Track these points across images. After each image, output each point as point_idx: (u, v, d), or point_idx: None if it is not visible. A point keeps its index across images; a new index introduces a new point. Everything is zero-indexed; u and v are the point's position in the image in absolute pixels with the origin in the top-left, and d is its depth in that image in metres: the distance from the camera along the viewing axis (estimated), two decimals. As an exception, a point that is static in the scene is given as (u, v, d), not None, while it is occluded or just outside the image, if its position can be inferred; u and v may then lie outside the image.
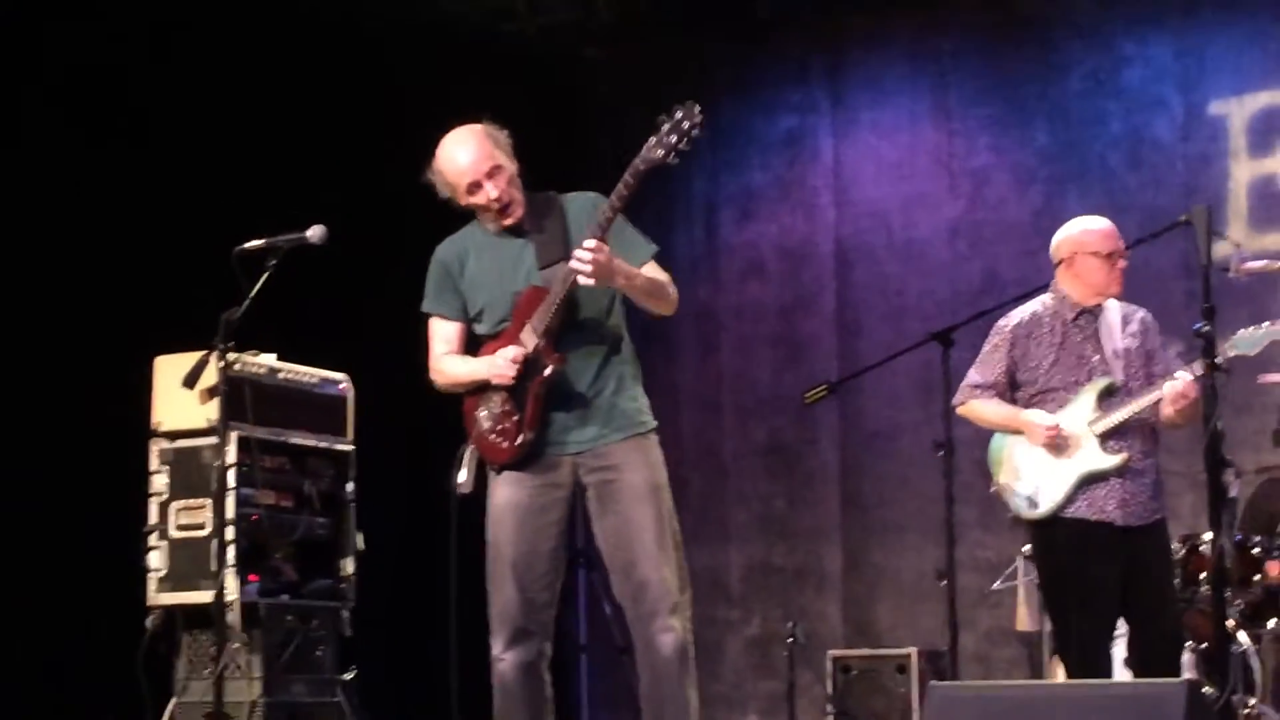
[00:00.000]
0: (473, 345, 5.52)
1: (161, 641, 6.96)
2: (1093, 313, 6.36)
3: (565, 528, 5.38)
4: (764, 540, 10.77)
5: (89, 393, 7.79)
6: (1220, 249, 6.25)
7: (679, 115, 5.06)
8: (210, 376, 6.16)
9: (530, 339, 5.28)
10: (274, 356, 7.21)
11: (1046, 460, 6.25)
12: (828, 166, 10.94)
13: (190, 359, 6.20)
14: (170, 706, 6.91)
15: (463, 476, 5.44)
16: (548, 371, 5.24)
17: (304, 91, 9.12)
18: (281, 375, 7.24)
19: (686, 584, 5.32)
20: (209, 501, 6.82)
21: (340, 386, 7.50)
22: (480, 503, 5.42)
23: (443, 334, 5.53)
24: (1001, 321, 6.44)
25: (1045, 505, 6.24)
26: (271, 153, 8.81)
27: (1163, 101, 9.96)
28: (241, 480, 6.90)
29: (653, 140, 5.05)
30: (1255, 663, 7.69)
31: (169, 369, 6.92)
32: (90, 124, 8.22)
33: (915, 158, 10.66)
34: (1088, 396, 6.21)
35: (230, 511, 6.70)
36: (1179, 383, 6.04)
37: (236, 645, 6.76)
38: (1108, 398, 6.23)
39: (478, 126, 5.42)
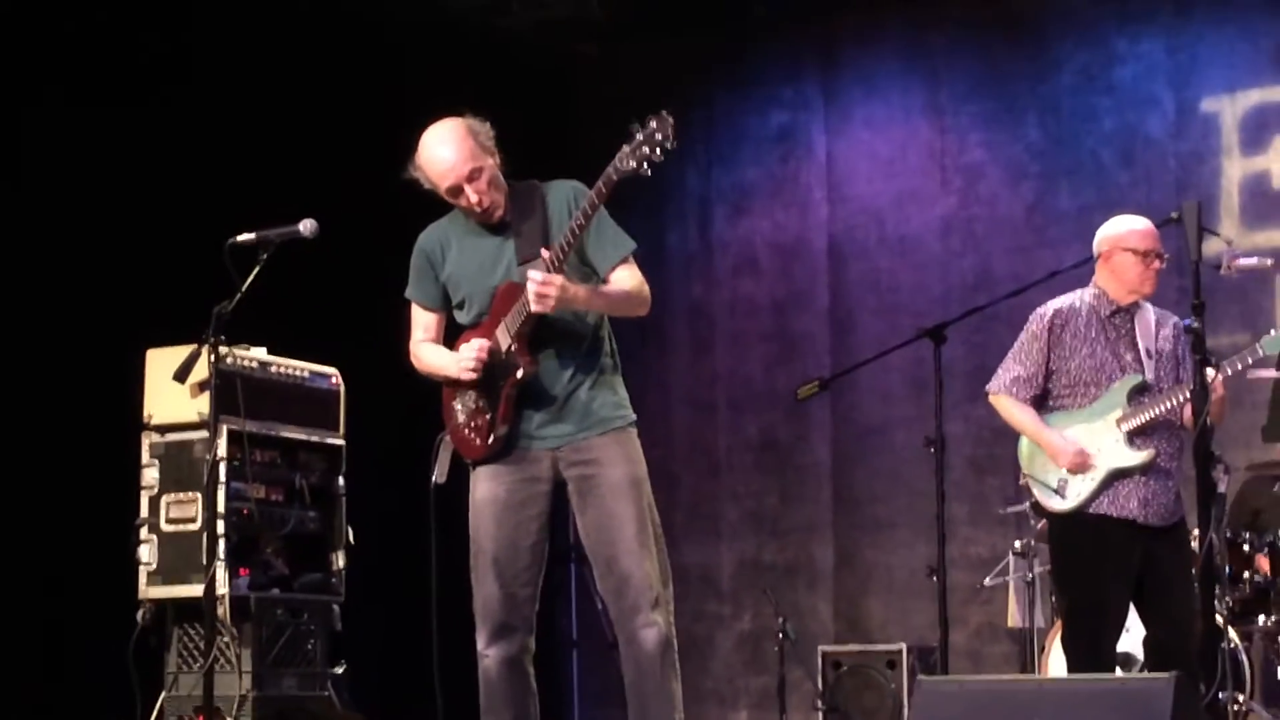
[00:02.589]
0: (456, 332, 5.50)
1: (152, 635, 6.96)
2: (1129, 311, 6.36)
3: (546, 521, 5.36)
4: (756, 536, 10.79)
5: (80, 385, 7.80)
6: (1211, 246, 6.24)
7: (652, 125, 5.00)
8: (201, 370, 6.16)
9: (504, 338, 5.27)
10: (265, 350, 7.22)
11: None
12: (820, 162, 10.96)
13: (182, 352, 6.21)
14: (160, 700, 6.91)
15: (438, 468, 5.44)
16: (519, 374, 5.24)
17: (296, 84, 9.13)
18: (273, 369, 7.24)
19: (668, 577, 5.33)
20: (200, 495, 6.83)
21: (332, 380, 7.50)
22: (465, 495, 5.42)
23: (422, 321, 5.54)
24: (1040, 310, 6.42)
25: (1072, 499, 6.25)
26: (264, 146, 8.81)
27: (1155, 98, 9.98)
28: (232, 474, 6.91)
29: (626, 149, 5.02)
30: (1244, 659, 7.72)
31: (160, 362, 6.93)
32: (82, 116, 8.22)
33: (908, 154, 10.67)
34: (1119, 394, 6.20)
35: (221, 505, 6.72)
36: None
37: (226, 639, 6.77)
38: (1138, 395, 6.23)
39: (458, 123, 5.34)
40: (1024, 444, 6.43)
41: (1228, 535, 7.71)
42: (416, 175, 5.36)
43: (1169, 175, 9.83)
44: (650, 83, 11.02)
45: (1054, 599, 6.57)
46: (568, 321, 5.31)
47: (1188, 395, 6.10)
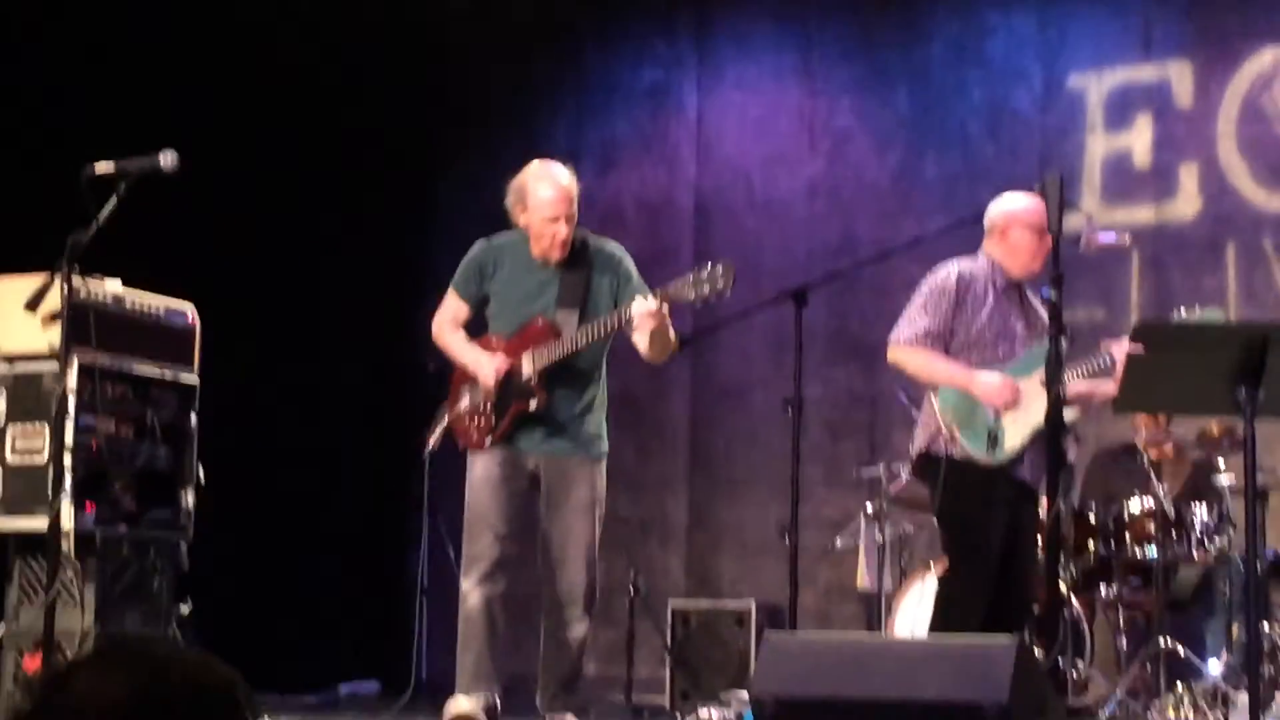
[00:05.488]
0: (479, 319, 6.57)
1: (-7, 567, 6.85)
2: (1018, 286, 6.47)
3: (529, 497, 6.42)
4: (610, 491, 10.74)
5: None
6: (1072, 221, 6.31)
7: (717, 270, 5.98)
8: (54, 300, 6.05)
9: (528, 366, 6.31)
10: (119, 283, 7.09)
11: (1006, 409, 6.35)
12: (691, 121, 10.95)
13: (33, 281, 6.09)
14: (-1, 632, 6.81)
15: (434, 437, 6.56)
16: (532, 406, 6.31)
17: (161, 10, 8.97)
18: (127, 303, 7.12)
19: (597, 590, 6.48)
20: (47, 427, 6.71)
21: (187, 317, 7.38)
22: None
23: (453, 307, 6.59)
24: (943, 271, 6.49)
25: (1005, 450, 6.32)
26: (124, 73, 8.66)
27: (1023, 72, 10.07)
28: (82, 407, 6.78)
29: (688, 279, 6.03)
30: (1086, 628, 7.84)
31: (11, 291, 6.77)
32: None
33: (778, 116, 10.69)
34: (1037, 356, 6.15)
35: (69, 438, 6.58)
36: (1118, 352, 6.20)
37: (70, 573, 6.66)
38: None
39: (568, 171, 6.42)
40: (946, 396, 6.43)
41: (1075, 506, 7.82)
42: (513, 188, 6.41)
43: (1034, 149, 9.92)
44: (521, 32, 10.95)
45: (945, 544, 6.62)
46: (584, 364, 6.37)
47: (1105, 357, 6.27)
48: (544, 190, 6.37)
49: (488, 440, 6.42)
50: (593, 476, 6.46)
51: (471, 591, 6.39)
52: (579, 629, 6.41)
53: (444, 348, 6.63)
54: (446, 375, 6.73)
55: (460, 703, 6.37)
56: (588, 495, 6.43)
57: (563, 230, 6.34)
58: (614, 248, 6.57)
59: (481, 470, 6.46)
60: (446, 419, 6.54)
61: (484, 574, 6.37)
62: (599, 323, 6.25)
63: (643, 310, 6.07)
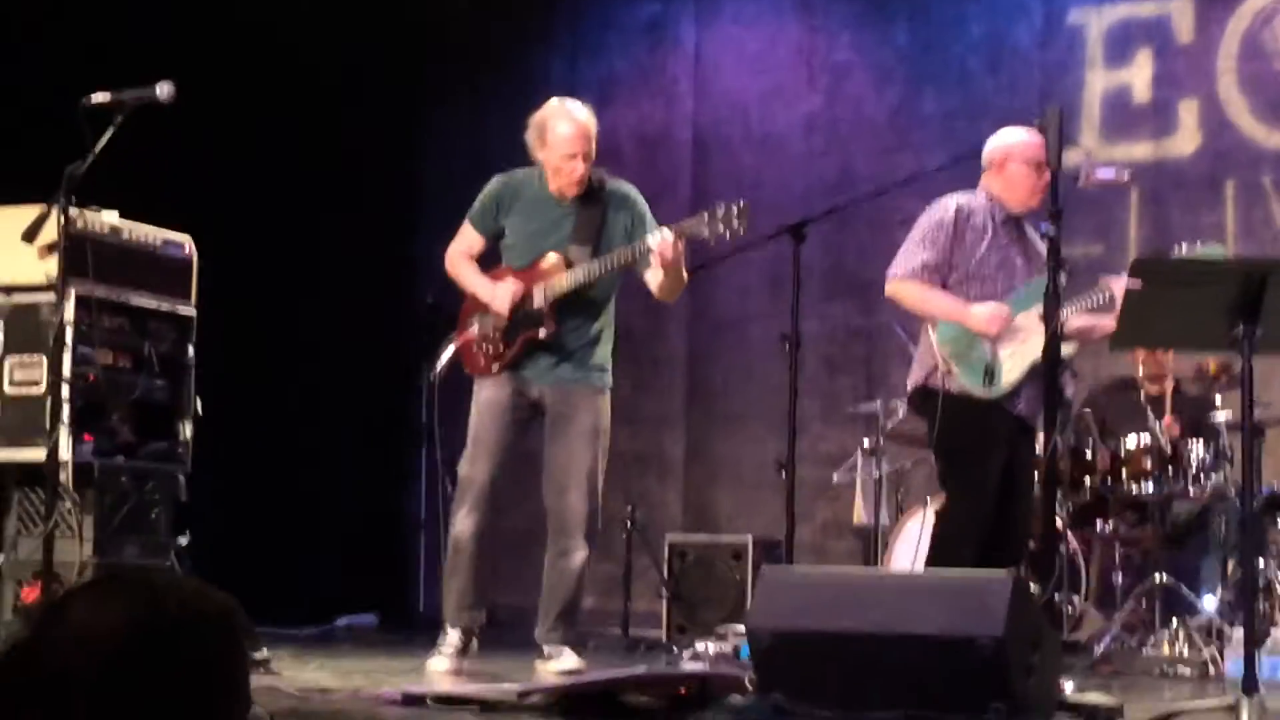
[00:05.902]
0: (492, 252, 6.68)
1: (-9, 498, 6.85)
2: (1017, 221, 6.47)
3: (535, 427, 6.53)
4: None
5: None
6: (1071, 157, 6.30)
7: (733, 210, 6.14)
8: (50, 231, 6.04)
9: (539, 297, 6.41)
10: (116, 214, 7.07)
11: (1004, 343, 6.36)
12: (689, 55, 10.90)
13: (30, 212, 6.07)
14: (-2, 563, 6.82)
15: (441, 364, 6.60)
16: (542, 334, 6.42)
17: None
18: (125, 234, 7.09)
19: (599, 519, 6.55)
20: (45, 358, 6.69)
21: (184, 249, 7.36)
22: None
23: (468, 238, 6.70)
24: (943, 203, 6.49)
25: (1000, 386, 6.33)
26: (121, 2, 8.63)
27: (1024, 7, 10.02)
28: (79, 339, 6.76)
29: (703, 215, 6.20)
30: (1082, 563, 7.87)
31: (7, 222, 6.74)
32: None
33: (776, 50, 10.64)
34: (1036, 292, 6.11)
35: (66, 370, 6.57)
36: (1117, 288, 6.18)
37: (68, 505, 6.67)
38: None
39: (587, 109, 6.55)
40: (944, 330, 6.43)
41: (1072, 441, 7.83)
42: (533, 124, 6.52)
43: (1033, 84, 9.88)
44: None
45: (943, 479, 6.63)
46: (596, 295, 6.46)
47: (1105, 291, 6.27)
48: (562, 127, 6.48)
49: (495, 366, 6.51)
50: (597, 406, 6.52)
51: (464, 518, 6.49)
52: (579, 557, 6.49)
53: (456, 277, 6.72)
54: (445, 307, 6.74)
55: (434, 669, 6.40)
56: (591, 423, 6.48)
57: (579, 167, 6.45)
58: (630, 189, 6.65)
59: (485, 395, 6.56)
60: (454, 346, 6.62)
61: (476, 498, 6.47)
62: (614, 255, 6.36)
63: (660, 243, 6.19)
